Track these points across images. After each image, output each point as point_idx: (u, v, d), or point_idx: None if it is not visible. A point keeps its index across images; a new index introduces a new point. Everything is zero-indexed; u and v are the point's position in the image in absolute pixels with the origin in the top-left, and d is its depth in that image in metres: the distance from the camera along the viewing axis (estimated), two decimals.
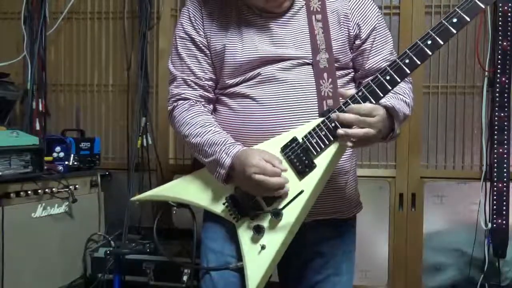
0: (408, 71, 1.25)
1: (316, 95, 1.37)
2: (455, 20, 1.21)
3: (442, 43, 1.22)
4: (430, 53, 1.23)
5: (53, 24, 2.72)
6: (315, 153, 1.30)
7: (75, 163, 2.37)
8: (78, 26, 2.78)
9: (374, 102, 1.26)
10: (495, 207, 2.32)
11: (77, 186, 2.27)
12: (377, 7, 1.49)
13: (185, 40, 1.47)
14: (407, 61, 1.24)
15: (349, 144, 1.26)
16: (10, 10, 2.78)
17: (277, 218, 1.29)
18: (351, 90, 1.29)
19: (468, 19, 1.20)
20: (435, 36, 1.22)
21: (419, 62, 1.24)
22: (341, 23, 1.42)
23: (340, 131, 1.24)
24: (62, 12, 2.72)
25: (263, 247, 1.29)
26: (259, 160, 1.27)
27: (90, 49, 2.78)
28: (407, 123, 2.43)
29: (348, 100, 1.27)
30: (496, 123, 2.33)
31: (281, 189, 1.28)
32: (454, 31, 1.21)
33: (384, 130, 1.29)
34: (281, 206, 1.29)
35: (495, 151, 2.33)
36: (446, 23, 1.21)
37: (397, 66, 1.24)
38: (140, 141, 2.55)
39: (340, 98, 1.32)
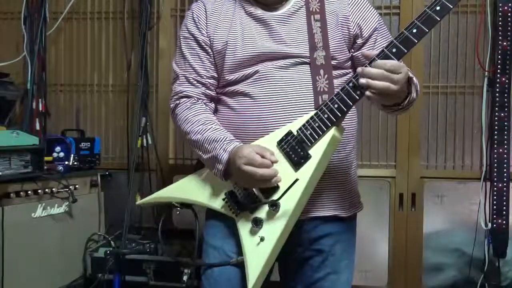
0: (396, 60, 1.26)
1: (312, 90, 1.40)
2: (438, 8, 1.24)
3: (427, 30, 1.25)
4: (416, 41, 1.25)
5: (53, 24, 2.72)
6: (310, 144, 1.32)
7: (75, 163, 2.37)
8: (78, 26, 2.78)
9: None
10: (495, 207, 2.32)
11: (77, 186, 2.27)
12: (385, 14, 1.52)
13: (188, 40, 1.52)
14: (394, 50, 1.26)
15: (368, 93, 1.25)
16: (10, 10, 2.78)
17: (274, 209, 1.31)
18: (375, 51, 1.30)
19: (450, 6, 1.23)
20: (420, 24, 1.25)
21: (406, 51, 1.26)
22: (339, 24, 1.46)
23: (363, 80, 1.24)
24: (62, 12, 2.72)
25: (262, 239, 1.31)
26: (249, 152, 1.30)
27: (90, 49, 2.78)
28: (407, 122, 2.44)
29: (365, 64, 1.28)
30: (496, 123, 2.33)
31: (269, 181, 1.30)
32: (438, 18, 1.24)
33: (403, 91, 1.30)
34: (277, 197, 1.30)
35: (495, 151, 2.33)
36: (429, 11, 1.24)
37: (384, 55, 1.26)
38: (140, 141, 2.55)
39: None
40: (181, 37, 1.54)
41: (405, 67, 1.26)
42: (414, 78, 1.41)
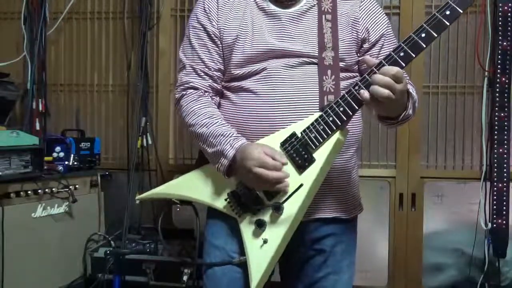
0: (404, 65, 1.24)
1: (318, 90, 1.39)
2: (448, 12, 1.22)
3: (436, 35, 1.22)
4: (424, 45, 1.23)
5: (53, 24, 2.72)
6: (314, 147, 1.31)
7: (75, 163, 2.37)
8: (78, 26, 2.78)
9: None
10: (495, 207, 2.31)
11: (77, 186, 2.27)
12: (385, 15, 1.52)
13: (198, 30, 1.49)
14: (402, 54, 1.24)
15: (366, 95, 1.23)
16: (10, 10, 2.78)
17: (278, 212, 1.30)
18: (375, 59, 1.28)
19: (460, 10, 1.21)
20: (429, 29, 1.22)
21: (413, 55, 1.24)
22: (350, 26, 1.45)
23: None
24: (62, 12, 2.72)
25: (265, 241, 1.31)
26: (259, 154, 1.29)
27: (90, 49, 2.78)
28: (407, 122, 2.43)
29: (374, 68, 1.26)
30: (496, 123, 2.33)
31: (280, 183, 1.29)
32: (448, 23, 1.22)
33: (401, 104, 1.29)
34: (281, 200, 1.30)
35: (495, 151, 2.33)
36: (439, 15, 1.22)
37: (392, 59, 1.25)
38: (140, 141, 2.55)
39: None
40: (191, 27, 1.51)
41: (405, 78, 1.24)
42: (414, 94, 1.39)
